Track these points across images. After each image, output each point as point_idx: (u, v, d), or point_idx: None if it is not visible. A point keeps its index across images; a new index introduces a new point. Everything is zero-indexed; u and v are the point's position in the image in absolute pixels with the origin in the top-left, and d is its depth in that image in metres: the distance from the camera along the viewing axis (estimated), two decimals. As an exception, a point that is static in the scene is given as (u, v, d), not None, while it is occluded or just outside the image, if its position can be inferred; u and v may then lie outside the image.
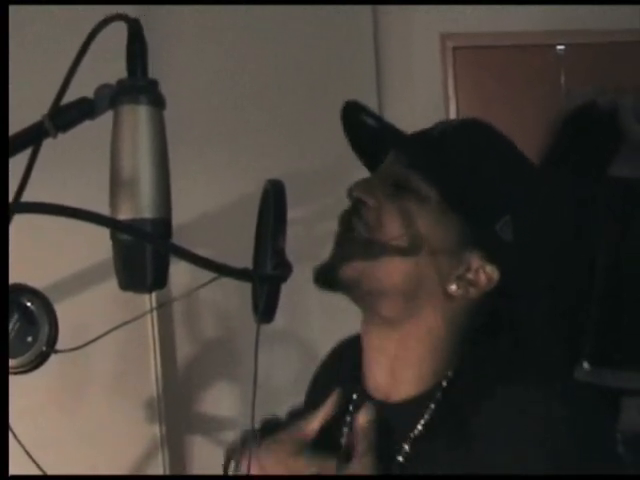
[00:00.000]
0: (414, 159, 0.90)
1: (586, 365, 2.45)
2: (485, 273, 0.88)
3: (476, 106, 2.67)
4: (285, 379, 2.47)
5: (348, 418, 1.00)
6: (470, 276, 0.88)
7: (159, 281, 0.77)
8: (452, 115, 2.67)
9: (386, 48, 2.61)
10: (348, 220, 0.92)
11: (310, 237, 2.45)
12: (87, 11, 2.00)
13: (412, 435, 0.89)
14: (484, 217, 0.87)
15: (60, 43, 1.95)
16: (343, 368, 1.06)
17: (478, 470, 0.81)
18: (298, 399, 2.46)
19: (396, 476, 0.98)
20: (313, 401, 1.12)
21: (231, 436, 2.33)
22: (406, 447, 0.89)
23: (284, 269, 0.75)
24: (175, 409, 2.31)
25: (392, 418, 0.92)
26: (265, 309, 0.79)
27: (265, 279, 0.75)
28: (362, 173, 2.70)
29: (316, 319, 2.50)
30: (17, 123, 0.75)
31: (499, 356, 0.90)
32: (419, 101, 2.54)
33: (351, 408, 1.00)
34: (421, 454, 0.88)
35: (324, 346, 2.47)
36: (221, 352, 2.34)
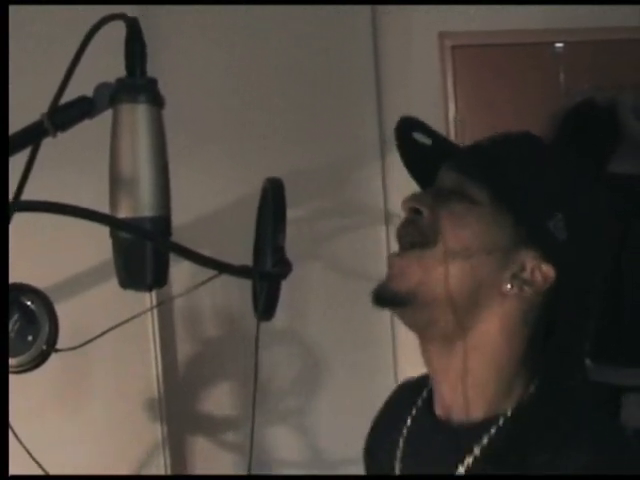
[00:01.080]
0: (464, 165, 0.91)
1: (588, 362, 2.45)
2: (541, 272, 0.88)
3: (475, 104, 2.67)
4: (286, 379, 2.48)
5: (405, 431, 1.00)
6: (525, 276, 0.88)
7: (159, 279, 0.77)
8: (451, 113, 2.67)
9: (385, 47, 2.61)
10: (404, 232, 0.93)
11: (311, 236, 2.46)
12: (86, 11, 2.00)
13: (468, 459, 0.88)
14: (536, 216, 0.87)
15: (59, 42, 1.96)
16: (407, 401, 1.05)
17: None
18: (300, 399, 2.47)
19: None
20: (373, 445, 1.11)
21: (232, 436, 2.35)
22: (461, 469, 0.89)
23: (284, 267, 0.75)
24: (176, 409, 2.31)
25: (448, 438, 0.92)
26: (265, 306, 0.79)
27: (265, 276, 0.75)
28: (363, 172, 2.71)
29: (317, 319, 2.50)
30: (16, 122, 0.75)
31: (563, 392, 0.89)
32: (418, 100, 2.54)
33: (409, 422, 1.01)
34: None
35: (325, 346, 2.49)
36: (222, 352, 2.34)
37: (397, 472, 0.98)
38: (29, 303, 0.81)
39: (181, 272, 2.05)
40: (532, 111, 2.61)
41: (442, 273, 0.88)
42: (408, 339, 0.99)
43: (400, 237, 0.93)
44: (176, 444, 2.31)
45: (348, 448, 2.41)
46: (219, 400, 2.35)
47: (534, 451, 0.84)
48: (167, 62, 2.28)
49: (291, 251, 2.50)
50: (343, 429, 2.43)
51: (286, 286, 2.51)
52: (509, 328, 0.89)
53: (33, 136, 0.75)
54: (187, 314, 2.34)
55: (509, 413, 0.89)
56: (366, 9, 2.55)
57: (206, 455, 2.35)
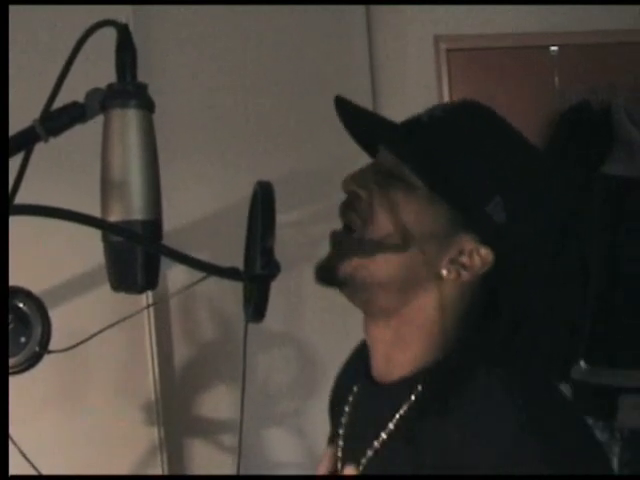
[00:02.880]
0: (399, 149, 0.91)
1: (583, 364, 2.46)
2: (479, 255, 0.88)
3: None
4: (283, 381, 2.48)
5: (350, 398, 1.03)
6: (464, 259, 0.88)
7: (150, 282, 0.78)
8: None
9: (380, 51, 2.62)
10: (344, 213, 0.94)
11: (307, 239, 2.46)
12: (78, 15, 2.02)
13: (397, 415, 0.90)
14: (473, 200, 0.86)
15: (51, 48, 1.98)
16: (359, 363, 1.07)
17: (453, 452, 0.82)
18: (296, 401, 2.47)
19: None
20: (334, 400, 1.15)
21: (230, 438, 2.35)
22: (390, 426, 0.90)
23: (272, 268, 0.77)
24: (173, 411, 2.32)
25: (382, 398, 0.95)
26: (255, 308, 0.80)
27: (253, 278, 0.76)
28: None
29: (314, 322, 2.51)
30: (9, 128, 0.76)
31: (489, 342, 0.91)
32: (413, 103, 2.53)
33: (355, 388, 1.04)
34: (403, 434, 0.89)
35: (323, 348, 2.49)
36: (219, 354, 2.34)
37: (341, 438, 1.02)
38: (22, 305, 0.83)
39: (177, 274, 2.07)
40: (527, 114, 2.63)
41: (378, 261, 0.89)
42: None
43: (341, 217, 0.95)
44: (173, 447, 2.31)
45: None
46: (216, 403, 2.36)
47: (454, 403, 0.85)
48: (162, 67, 2.30)
49: (288, 254, 2.51)
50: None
51: (283, 289, 2.53)
52: (444, 307, 0.91)
53: (26, 141, 0.77)
54: (184, 317, 2.35)
55: (433, 367, 0.90)
56: (361, 12, 2.56)
57: (203, 458, 2.35)
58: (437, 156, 0.87)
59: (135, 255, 0.76)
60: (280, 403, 2.48)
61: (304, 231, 2.42)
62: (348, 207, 0.93)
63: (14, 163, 0.78)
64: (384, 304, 0.92)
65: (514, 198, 0.87)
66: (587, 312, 2.35)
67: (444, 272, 0.88)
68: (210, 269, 0.72)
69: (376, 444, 0.92)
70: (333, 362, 2.48)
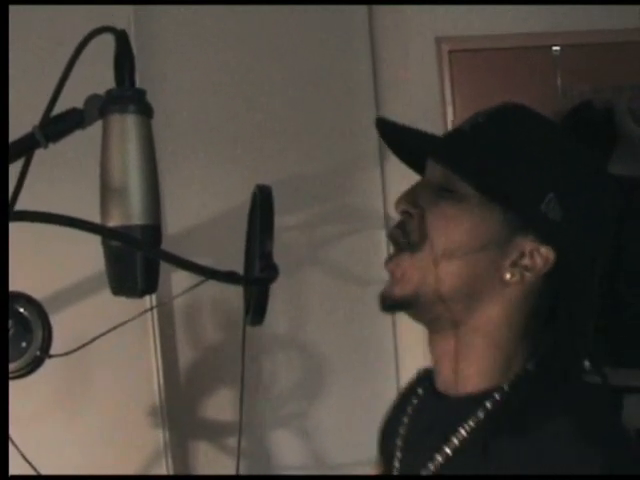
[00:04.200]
0: (446, 159, 0.91)
1: (587, 364, 2.46)
2: (540, 255, 0.87)
3: (473, 108, 2.67)
4: (288, 383, 2.49)
5: (409, 409, 1.03)
6: (525, 261, 0.88)
7: (150, 286, 0.79)
8: (449, 118, 2.69)
9: (383, 52, 2.62)
10: (394, 235, 0.94)
11: (311, 241, 2.47)
12: (79, 17, 2.03)
13: (462, 430, 0.89)
14: (525, 200, 0.86)
15: (51, 51, 1.98)
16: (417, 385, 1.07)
17: (529, 470, 0.82)
18: (301, 404, 2.48)
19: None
20: (387, 425, 1.13)
21: (234, 441, 2.35)
22: (455, 440, 0.90)
23: (271, 272, 0.77)
24: (178, 415, 2.32)
25: (447, 411, 0.94)
26: (254, 311, 0.80)
27: (253, 282, 0.76)
28: (362, 177, 2.72)
29: (318, 323, 2.51)
30: (9, 134, 0.77)
31: (558, 369, 0.90)
32: (416, 105, 2.56)
33: (415, 401, 1.03)
34: (471, 449, 0.88)
35: (327, 351, 2.50)
36: (223, 357, 2.35)
37: (398, 449, 1.01)
38: (23, 310, 0.83)
39: (181, 278, 2.07)
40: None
41: (440, 274, 0.88)
42: (410, 343, 1.01)
43: (391, 239, 0.95)
44: (178, 450, 2.32)
45: (350, 451, 2.44)
46: (220, 406, 2.36)
47: (528, 424, 0.85)
48: (162, 71, 2.31)
49: (291, 256, 2.52)
50: (345, 433, 2.44)
51: (286, 292, 2.53)
52: (511, 312, 0.90)
53: (25, 147, 0.77)
54: (188, 321, 2.36)
55: (505, 386, 0.89)
56: (363, 14, 2.57)
57: (208, 460, 2.35)
58: (484, 161, 0.88)
59: (135, 259, 0.77)
60: (284, 406, 2.49)
61: (307, 234, 2.43)
62: (399, 227, 0.93)
63: (14, 169, 0.79)
64: (450, 317, 0.91)
65: (567, 193, 0.87)
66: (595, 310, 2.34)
67: (508, 276, 0.88)
68: (209, 273, 0.73)
69: (439, 458, 0.91)
70: (336, 364, 2.50)
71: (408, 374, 1.14)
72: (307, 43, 2.49)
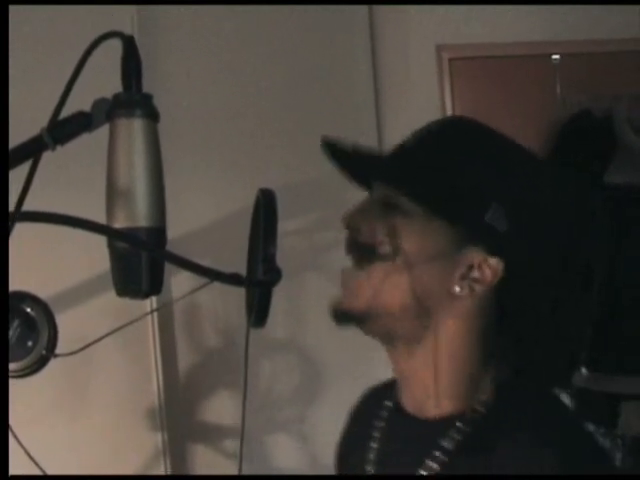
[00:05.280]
0: (387, 178, 0.91)
1: (584, 371, 2.47)
2: (489, 266, 0.87)
3: (473, 116, 2.70)
4: (287, 388, 2.49)
5: (376, 434, 1.01)
6: (474, 274, 0.87)
7: (154, 287, 0.80)
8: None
9: (383, 60, 2.64)
10: (349, 251, 0.94)
11: (310, 247, 2.48)
12: (83, 17, 2.04)
13: (436, 453, 0.89)
14: (469, 212, 0.86)
15: (57, 52, 2.00)
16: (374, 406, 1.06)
17: None
18: (299, 407, 2.48)
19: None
20: (343, 459, 1.13)
21: (233, 444, 2.36)
22: (430, 463, 0.89)
23: (274, 274, 0.78)
24: (177, 417, 2.33)
25: (422, 434, 0.93)
26: (257, 313, 0.81)
27: (255, 284, 0.78)
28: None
29: (317, 328, 2.52)
30: (16, 137, 0.78)
31: (527, 389, 0.91)
32: (416, 113, 2.56)
33: (380, 424, 1.01)
34: (445, 473, 0.88)
35: (326, 355, 2.50)
36: (222, 360, 2.35)
37: (367, 472, 0.99)
38: (29, 310, 0.84)
39: (181, 281, 2.09)
40: (529, 122, 2.64)
41: (389, 289, 0.88)
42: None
43: (348, 255, 0.95)
44: (176, 452, 2.32)
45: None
46: (219, 408, 2.37)
47: (501, 444, 0.85)
48: (164, 75, 2.32)
49: (291, 261, 2.52)
50: (343, 437, 2.45)
51: (286, 296, 2.53)
52: (464, 325, 0.90)
53: (33, 150, 0.78)
54: (187, 323, 2.37)
55: (479, 407, 0.89)
56: (364, 21, 2.58)
57: (206, 463, 2.36)
58: (425, 177, 0.88)
59: (140, 261, 0.78)
60: (283, 410, 2.49)
61: (307, 239, 2.44)
62: (351, 243, 0.94)
63: (22, 171, 0.80)
64: (405, 332, 0.91)
65: (513, 203, 0.86)
66: (589, 319, 2.35)
67: (457, 289, 0.88)
68: (213, 275, 0.74)
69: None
70: (336, 369, 2.51)
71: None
72: (308, 50, 2.51)
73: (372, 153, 0.95)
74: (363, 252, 0.91)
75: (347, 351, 2.53)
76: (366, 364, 2.60)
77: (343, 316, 0.93)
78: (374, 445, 1.00)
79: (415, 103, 2.62)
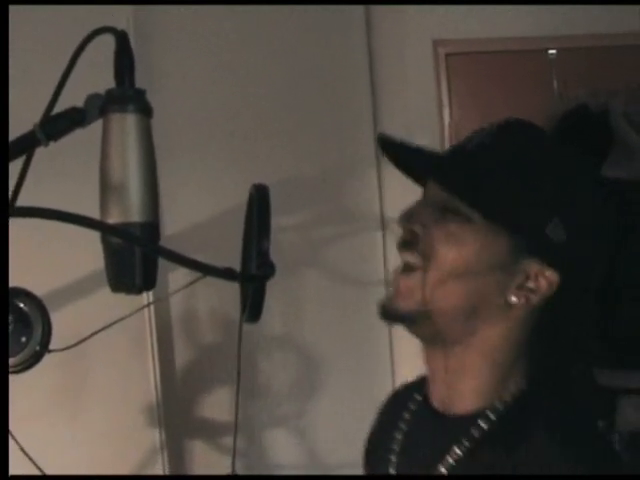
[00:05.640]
0: (449, 184, 0.90)
1: (582, 365, 2.47)
2: (545, 278, 0.88)
3: (470, 111, 2.70)
4: (285, 383, 2.50)
5: (402, 425, 1.02)
6: (530, 284, 0.88)
7: (148, 282, 0.80)
8: (446, 121, 2.70)
9: (380, 55, 2.64)
10: (402, 252, 0.93)
11: (308, 243, 2.48)
12: (79, 17, 2.04)
13: (457, 449, 0.90)
14: (531, 224, 0.86)
15: (51, 50, 1.99)
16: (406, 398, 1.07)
17: None
18: (297, 403, 2.49)
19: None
20: (370, 450, 1.13)
21: (230, 440, 2.37)
22: (449, 459, 0.90)
23: (267, 269, 0.78)
24: (174, 414, 2.33)
25: (442, 429, 0.94)
26: (251, 308, 0.81)
27: (249, 279, 0.78)
28: (359, 179, 2.73)
29: (315, 324, 2.52)
30: (10, 132, 0.78)
31: (550, 391, 0.91)
32: (413, 108, 2.57)
33: (407, 416, 1.02)
34: (464, 469, 0.89)
35: (323, 351, 2.51)
36: (219, 357, 2.36)
37: (392, 465, 1.00)
38: (22, 306, 0.84)
39: (178, 276, 2.09)
40: (526, 117, 2.64)
41: (444, 293, 0.89)
42: (405, 343, 1.02)
43: (402, 256, 0.93)
44: (174, 449, 2.32)
45: (346, 451, 2.44)
46: (217, 405, 2.37)
47: (521, 445, 0.86)
48: (160, 71, 2.32)
49: (288, 257, 2.53)
50: (341, 432, 2.45)
51: (283, 292, 2.53)
52: (512, 333, 0.91)
53: (26, 145, 0.78)
54: (185, 319, 2.37)
55: (500, 407, 0.90)
56: (360, 17, 2.58)
57: (204, 459, 2.36)
58: (487, 185, 0.87)
59: (133, 256, 0.78)
60: (281, 405, 2.50)
61: (304, 234, 2.44)
62: (406, 246, 0.92)
63: (15, 167, 0.80)
64: (451, 334, 0.91)
65: (572, 216, 0.87)
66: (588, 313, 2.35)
67: (513, 299, 0.88)
68: (206, 269, 0.74)
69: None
70: (333, 364, 2.51)
71: (403, 374, 1.15)
72: (304, 45, 2.51)
73: (431, 153, 0.94)
74: (418, 254, 0.90)
75: (345, 347, 2.54)
76: (364, 360, 2.61)
77: (393, 315, 0.93)
78: (399, 436, 1.02)
79: (412, 98, 2.62)
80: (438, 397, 0.97)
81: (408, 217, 0.92)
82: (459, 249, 0.88)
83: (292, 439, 2.48)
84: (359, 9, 2.58)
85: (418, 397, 1.03)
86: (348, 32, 2.57)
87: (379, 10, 2.63)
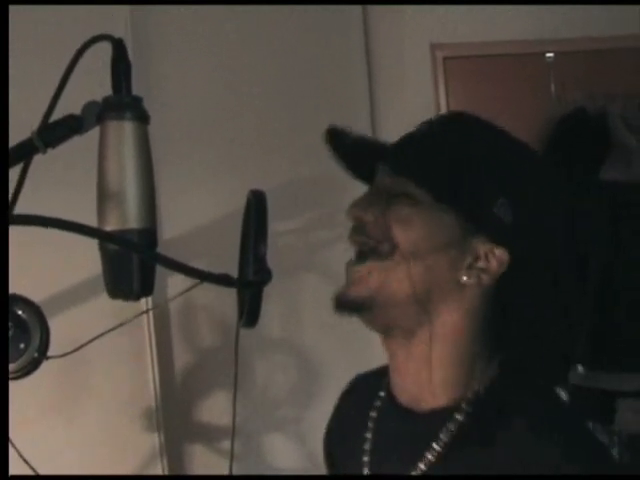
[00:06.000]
0: (397, 166, 0.91)
1: (580, 369, 2.47)
2: (495, 257, 0.88)
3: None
4: (283, 387, 2.50)
5: (370, 424, 1.01)
6: (481, 264, 0.88)
7: (146, 288, 0.80)
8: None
9: (377, 59, 2.64)
10: (354, 241, 0.93)
11: (305, 247, 2.48)
12: (76, 17, 2.04)
13: (435, 445, 0.90)
14: (479, 203, 0.87)
15: (49, 52, 2.00)
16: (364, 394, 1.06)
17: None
18: (296, 407, 2.49)
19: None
20: (334, 448, 1.13)
21: (230, 444, 2.37)
22: (429, 456, 0.90)
23: (264, 275, 0.78)
24: (173, 418, 2.33)
25: (415, 426, 0.93)
26: (248, 314, 0.82)
27: (245, 284, 0.78)
28: (357, 182, 2.73)
29: (313, 328, 2.52)
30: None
31: (523, 378, 0.91)
32: (411, 111, 2.57)
33: (373, 414, 1.01)
34: (444, 465, 0.89)
35: (322, 354, 2.51)
36: (219, 361, 2.36)
37: (366, 465, 0.99)
38: (20, 312, 0.85)
39: (177, 281, 2.09)
40: (523, 121, 2.64)
41: (397, 276, 0.88)
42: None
43: (354, 245, 0.94)
44: (173, 453, 2.32)
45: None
46: (216, 409, 2.37)
47: (498, 436, 0.86)
48: (157, 77, 2.32)
49: (286, 261, 2.52)
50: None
51: (282, 296, 2.53)
52: (469, 315, 0.90)
53: (24, 153, 0.79)
54: (184, 324, 2.37)
55: (473, 397, 0.90)
56: (358, 20, 2.59)
57: (203, 463, 2.36)
58: (436, 166, 0.88)
59: (131, 263, 0.78)
60: (280, 409, 2.50)
61: (302, 238, 2.44)
62: (356, 234, 0.93)
63: (13, 174, 0.80)
64: (407, 322, 0.91)
65: (518, 197, 0.88)
66: (585, 316, 2.36)
67: (464, 278, 0.89)
68: (203, 276, 0.74)
69: (414, 474, 0.91)
70: (332, 368, 2.51)
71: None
72: (303, 52, 2.51)
73: (379, 141, 0.95)
74: (367, 243, 0.91)
75: (343, 350, 2.53)
76: (362, 363, 2.61)
77: (345, 305, 0.92)
78: (368, 435, 1.00)
79: (410, 102, 2.63)
80: (405, 393, 0.96)
81: (358, 206, 0.92)
82: (409, 231, 0.88)
83: (290, 443, 2.48)
84: (357, 15, 2.58)
85: (381, 393, 1.02)
86: (346, 36, 2.57)
87: (377, 14, 2.63)
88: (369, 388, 1.05)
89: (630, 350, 2.45)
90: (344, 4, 2.53)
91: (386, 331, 0.95)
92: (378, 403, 1.02)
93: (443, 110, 2.70)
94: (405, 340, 0.93)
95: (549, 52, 2.77)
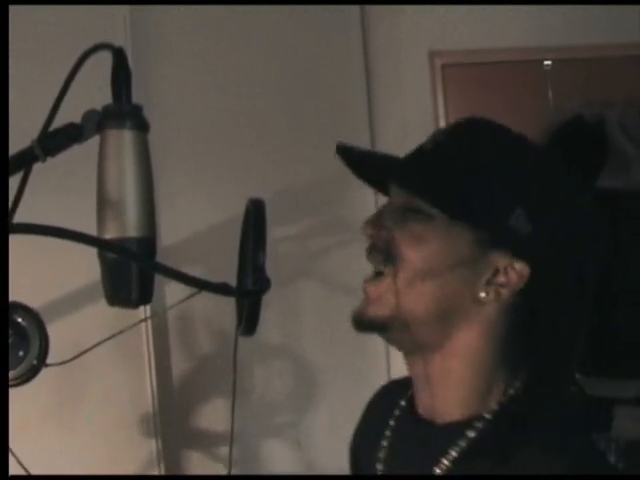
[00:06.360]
0: (407, 184, 0.90)
1: (577, 375, 2.47)
2: (515, 271, 0.86)
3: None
4: (281, 393, 2.50)
5: (388, 432, 1.01)
6: (500, 279, 0.86)
7: (144, 296, 0.80)
8: (442, 131, 2.71)
9: (376, 66, 2.65)
10: (371, 259, 0.93)
11: (304, 253, 2.49)
12: (75, 17, 2.05)
13: (444, 460, 0.89)
14: (493, 216, 0.85)
15: (49, 62, 2.00)
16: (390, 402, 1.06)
17: None
18: (294, 413, 2.49)
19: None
20: (356, 450, 1.12)
21: (227, 450, 2.36)
22: (437, 470, 0.89)
23: (263, 284, 0.79)
24: (171, 424, 2.33)
25: (429, 439, 0.92)
26: (246, 322, 0.82)
27: (244, 293, 0.78)
28: (355, 189, 2.75)
29: (311, 334, 2.53)
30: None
31: (540, 397, 0.89)
32: (409, 119, 2.58)
33: (392, 422, 1.01)
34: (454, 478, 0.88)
35: (320, 361, 2.51)
36: (216, 367, 2.36)
37: (379, 471, 0.99)
38: (20, 320, 0.85)
39: (175, 289, 2.09)
40: (521, 128, 2.64)
41: (414, 295, 0.87)
42: (402, 354, 1.01)
43: (370, 263, 0.93)
44: (171, 459, 2.32)
45: (342, 461, 2.44)
46: (213, 415, 2.37)
47: (511, 454, 0.84)
48: (156, 84, 2.33)
49: (285, 267, 2.53)
50: (337, 442, 2.45)
51: (280, 303, 2.53)
52: (488, 331, 0.89)
53: (24, 161, 0.79)
54: (182, 331, 2.37)
55: (487, 415, 0.89)
56: (356, 27, 2.60)
57: (201, 469, 2.36)
58: (447, 181, 0.86)
59: (130, 271, 0.78)
60: (278, 415, 2.50)
61: (300, 245, 2.45)
62: (372, 251, 0.92)
63: (13, 182, 0.80)
64: (427, 340, 0.90)
65: (535, 206, 0.85)
66: (582, 323, 2.35)
67: (482, 295, 0.87)
68: (202, 285, 0.74)
69: None
70: (330, 375, 2.52)
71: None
72: (302, 59, 2.52)
73: (390, 157, 0.94)
74: (384, 259, 0.90)
75: (341, 357, 2.54)
76: (361, 370, 2.62)
77: (365, 324, 0.92)
78: (384, 443, 1.00)
79: (408, 109, 2.64)
80: (422, 405, 0.95)
81: (372, 223, 0.92)
82: (424, 249, 0.87)
83: (288, 449, 2.48)
84: (355, 15, 2.59)
85: (402, 402, 1.02)
86: (345, 44, 2.58)
87: (375, 21, 2.64)
88: (394, 395, 1.05)
89: (627, 357, 2.44)
90: (343, 4, 2.53)
91: (408, 350, 0.94)
92: (397, 412, 1.02)
93: (441, 117, 2.71)
94: (423, 356, 0.92)
95: (547, 60, 2.78)
